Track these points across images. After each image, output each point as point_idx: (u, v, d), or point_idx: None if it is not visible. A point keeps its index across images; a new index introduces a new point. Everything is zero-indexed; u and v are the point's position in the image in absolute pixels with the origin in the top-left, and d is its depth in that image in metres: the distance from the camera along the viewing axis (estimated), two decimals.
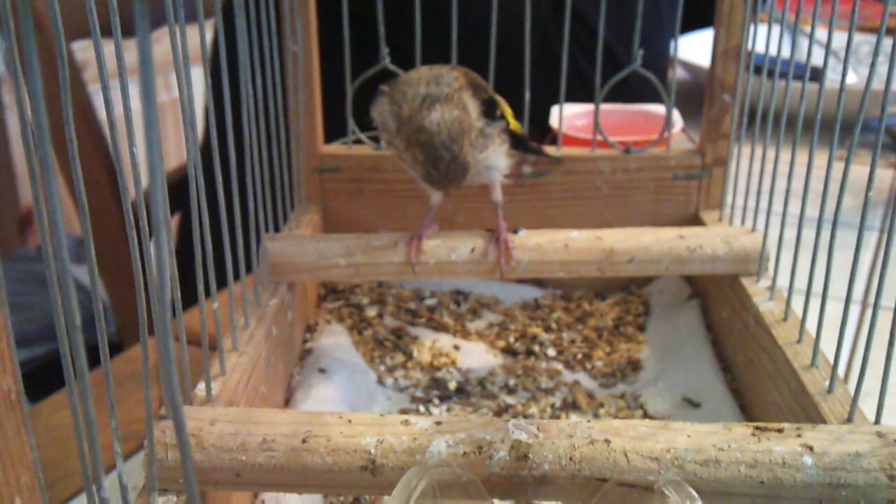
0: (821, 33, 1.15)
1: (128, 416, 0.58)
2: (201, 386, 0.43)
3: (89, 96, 1.15)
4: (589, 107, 0.79)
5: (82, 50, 1.27)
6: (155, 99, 0.19)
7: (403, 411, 0.54)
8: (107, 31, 0.35)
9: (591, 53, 0.77)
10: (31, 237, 1.82)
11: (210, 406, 0.41)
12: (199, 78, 0.47)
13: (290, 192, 0.61)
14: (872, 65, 0.40)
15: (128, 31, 0.36)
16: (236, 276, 0.49)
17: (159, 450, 0.37)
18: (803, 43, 0.58)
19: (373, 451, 0.37)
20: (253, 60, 0.50)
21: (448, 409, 0.55)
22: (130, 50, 0.35)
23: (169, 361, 0.22)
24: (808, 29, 0.53)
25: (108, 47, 0.35)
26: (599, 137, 0.64)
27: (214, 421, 0.38)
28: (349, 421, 0.39)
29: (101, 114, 1.12)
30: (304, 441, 0.37)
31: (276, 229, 0.57)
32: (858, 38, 1.26)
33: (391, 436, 0.38)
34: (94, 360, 0.34)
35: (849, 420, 0.41)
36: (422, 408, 0.55)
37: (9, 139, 1.73)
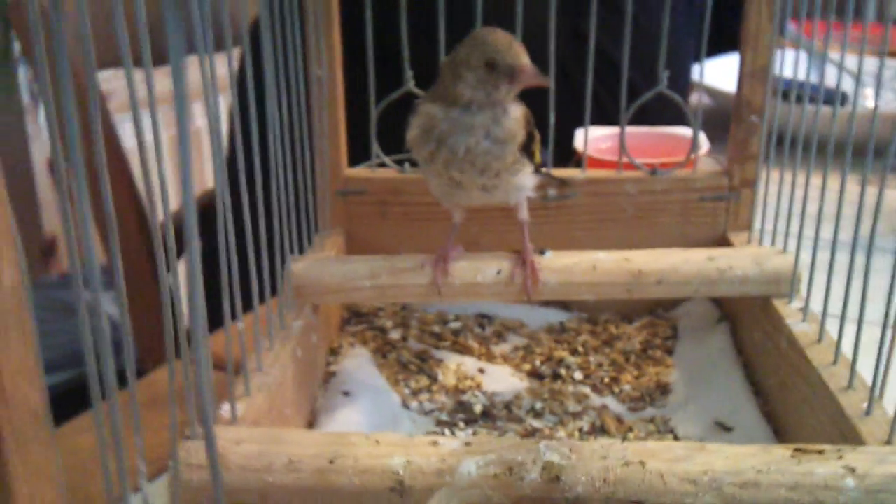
0: (847, 60, 1.14)
1: (149, 441, 0.58)
2: (226, 407, 0.43)
3: (114, 125, 1.16)
4: (613, 129, 0.78)
5: (106, 80, 1.28)
6: (189, 139, 0.19)
7: (430, 434, 0.54)
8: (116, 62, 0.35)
9: (607, 83, 0.77)
10: (54, 265, 1.83)
11: (235, 426, 0.41)
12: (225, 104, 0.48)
13: (315, 215, 0.61)
14: None
15: (154, 61, 0.37)
16: (261, 299, 0.48)
17: (184, 470, 0.37)
18: (831, 69, 0.57)
19: (401, 472, 0.36)
20: (279, 84, 0.50)
21: (474, 433, 0.54)
22: (156, 80, 0.35)
23: (203, 377, 0.21)
24: (835, 55, 0.53)
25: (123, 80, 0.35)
26: (625, 159, 0.64)
27: (240, 441, 0.38)
28: (377, 441, 0.38)
29: (127, 142, 1.13)
30: (331, 462, 0.37)
31: (301, 252, 0.57)
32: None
33: (419, 456, 0.37)
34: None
35: (888, 443, 0.40)
36: (447, 431, 0.54)
37: (33, 168, 1.75)
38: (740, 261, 0.55)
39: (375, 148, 0.65)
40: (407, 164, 0.66)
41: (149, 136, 0.35)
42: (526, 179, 0.54)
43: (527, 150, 0.52)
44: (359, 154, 0.68)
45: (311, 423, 0.54)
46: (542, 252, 0.55)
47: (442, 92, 0.50)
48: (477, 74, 0.48)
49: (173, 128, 0.20)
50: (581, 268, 0.54)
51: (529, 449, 0.37)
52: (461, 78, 0.48)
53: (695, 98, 0.89)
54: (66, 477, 0.54)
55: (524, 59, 0.48)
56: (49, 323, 1.45)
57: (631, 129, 0.65)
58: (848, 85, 0.99)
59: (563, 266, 0.55)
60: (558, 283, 0.54)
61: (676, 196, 0.65)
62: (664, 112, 0.88)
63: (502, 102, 0.49)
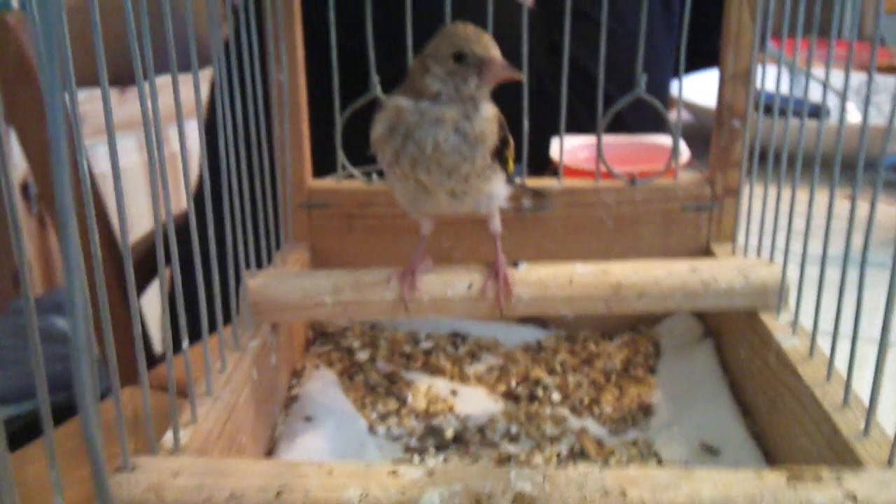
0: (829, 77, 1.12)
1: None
2: (168, 436, 0.39)
3: (84, 149, 1.12)
4: (590, 139, 0.76)
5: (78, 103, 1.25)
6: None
7: (396, 462, 0.50)
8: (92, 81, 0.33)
9: (584, 97, 0.74)
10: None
11: (175, 457, 0.37)
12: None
13: (276, 229, 0.57)
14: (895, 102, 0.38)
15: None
16: (213, 317, 0.45)
17: None
18: (814, 84, 0.55)
19: None
20: (232, 88, 0.47)
21: (445, 460, 0.50)
22: (126, 103, 0.34)
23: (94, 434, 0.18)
24: (818, 73, 0.51)
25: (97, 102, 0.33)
26: (603, 168, 0.61)
27: (178, 473, 0.34)
28: (330, 472, 0.34)
29: (97, 167, 1.08)
30: (278, 495, 0.33)
31: (260, 268, 0.53)
32: (860, 77, 1.24)
33: (377, 488, 0.33)
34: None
35: (890, 464, 0.37)
36: (416, 458, 0.50)
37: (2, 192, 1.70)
38: (725, 272, 0.52)
39: (341, 158, 0.62)
40: (375, 176, 0.63)
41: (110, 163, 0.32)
42: (498, 188, 0.51)
43: (500, 156, 0.49)
44: (325, 165, 0.65)
45: (271, 451, 0.50)
46: (515, 264, 0.52)
47: (410, 87, 0.47)
48: (445, 66, 0.45)
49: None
50: (557, 281, 0.51)
51: (498, 478, 0.33)
52: (429, 71, 0.45)
53: (674, 114, 0.87)
54: None
55: (494, 51, 0.45)
56: (18, 350, 1.39)
57: (609, 139, 0.62)
58: (832, 101, 0.97)
59: (537, 279, 0.51)
60: (533, 298, 0.51)
61: (657, 206, 0.62)
62: (642, 125, 0.85)
63: (473, 98, 0.46)
